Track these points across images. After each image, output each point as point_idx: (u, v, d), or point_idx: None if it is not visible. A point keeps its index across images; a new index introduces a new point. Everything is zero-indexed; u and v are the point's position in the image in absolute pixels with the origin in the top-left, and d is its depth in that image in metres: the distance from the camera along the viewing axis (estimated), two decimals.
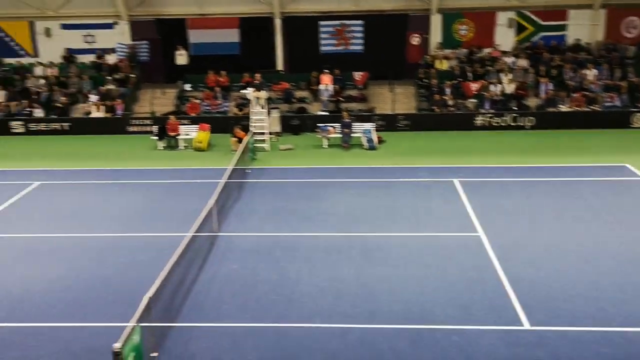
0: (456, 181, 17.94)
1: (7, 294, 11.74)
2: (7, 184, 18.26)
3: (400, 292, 11.57)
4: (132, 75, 27.89)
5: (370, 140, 22.50)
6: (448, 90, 26.09)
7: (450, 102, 25.67)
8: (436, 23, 28.02)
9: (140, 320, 8.90)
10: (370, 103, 26.86)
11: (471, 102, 25.89)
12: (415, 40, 28.39)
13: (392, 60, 28.28)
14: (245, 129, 21.92)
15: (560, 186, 17.53)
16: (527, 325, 10.34)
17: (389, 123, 25.01)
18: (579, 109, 24.91)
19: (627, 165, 19.12)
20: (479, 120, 24.95)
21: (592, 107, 25.02)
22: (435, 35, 28.24)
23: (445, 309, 10.92)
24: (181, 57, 28.45)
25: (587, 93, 25.40)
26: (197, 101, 26.26)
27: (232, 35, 28.25)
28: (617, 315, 10.57)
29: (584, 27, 27.79)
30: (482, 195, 16.77)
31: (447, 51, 28.05)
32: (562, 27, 27.84)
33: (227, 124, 23.49)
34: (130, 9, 28.22)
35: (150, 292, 9.50)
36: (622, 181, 17.88)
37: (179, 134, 23.06)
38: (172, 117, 23.63)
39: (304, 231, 14.56)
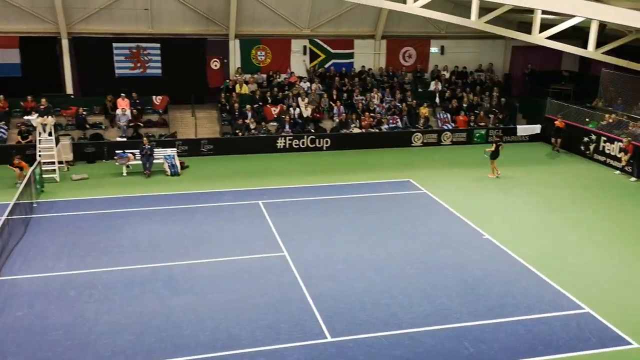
0: (261, 203, 18.29)
1: None
2: None
3: (207, 320, 11.42)
4: None
5: (172, 166, 21.98)
6: (250, 114, 26.57)
7: (253, 126, 26.16)
8: (235, 48, 28.46)
9: None
10: (171, 128, 26.27)
11: (272, 125, 26.67)
12: (215, 64, 28.53)
13: (193, 85, 28.01)
14: (32, 159, 19.98)
15: (355, 202, 18.79)
16: (329, 337, 10.86)
17: (192, 148, 24.67)
18: (368, 130, 27.02)
19: (411, 180, 21.18)
20: (280, 142, 25.77)
21: (378, 128, 27.31)
22: (235, 60, 28.67)
23: (252, 331, 11.02)
24: None
25: (373, 115, 27.68)
26: None
27: (11, 56, 25.71)
28: (406, 318, 11.60)
29: (368, 55, 30.36)
30: (284, 215, 17.32)
31: (247, 76, 28.62)
32: (350, 55, 30.12)
33: (9, 154, 21.20)
34: None
35: None
36: (407, 194, 19.74)
37: None
38: None
39: (102, 266, 13.66)
